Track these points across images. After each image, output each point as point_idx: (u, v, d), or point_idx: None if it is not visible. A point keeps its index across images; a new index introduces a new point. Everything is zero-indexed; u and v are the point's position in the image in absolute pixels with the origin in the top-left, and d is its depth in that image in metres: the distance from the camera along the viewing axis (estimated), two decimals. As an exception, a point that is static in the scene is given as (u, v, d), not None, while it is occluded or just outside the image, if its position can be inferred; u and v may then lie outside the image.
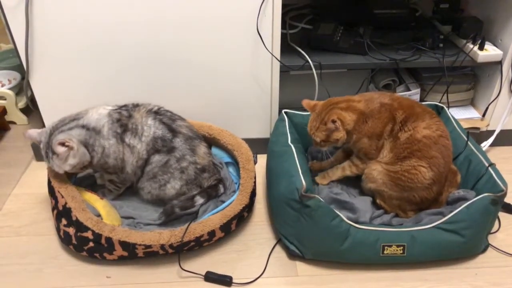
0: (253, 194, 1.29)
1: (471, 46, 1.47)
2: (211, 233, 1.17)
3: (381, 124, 1.19)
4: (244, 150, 1.34)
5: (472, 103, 1.66)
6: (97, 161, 1.21)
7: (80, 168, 1.21)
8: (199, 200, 1.26)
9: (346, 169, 1.31)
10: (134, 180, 1.29)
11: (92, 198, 1.24)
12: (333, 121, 1.17)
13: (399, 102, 1.22)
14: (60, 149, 1.14)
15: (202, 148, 1.29)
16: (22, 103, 1.76)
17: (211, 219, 1.17)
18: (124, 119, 1.21)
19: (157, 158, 1.23)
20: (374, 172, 1.22)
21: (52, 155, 1.16)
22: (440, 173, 1.18)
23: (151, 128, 1.22)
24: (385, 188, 1.21)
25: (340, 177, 1.33)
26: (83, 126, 1.18)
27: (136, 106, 1.26)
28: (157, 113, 1.25)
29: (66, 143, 1.14)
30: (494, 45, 1.48)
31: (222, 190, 1.33)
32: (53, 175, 1.23)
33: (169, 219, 1.24)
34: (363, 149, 1.23)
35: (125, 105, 1.26)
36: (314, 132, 1.22)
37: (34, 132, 1.21)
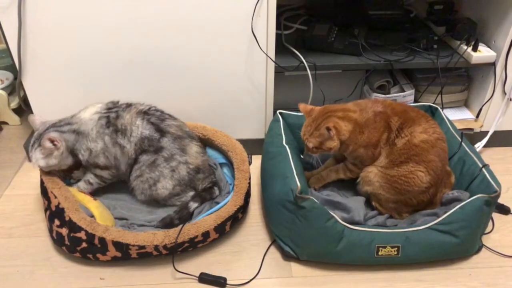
0: (247, 195, 1.28)
1: (465, 47, 1.48)
2: (205, 234, 1.16)
3: (377, 133, 1.19)
4: (238, 151, 1.34)
5: (466, 104, 1.67)
6: (86, 161, 1.24)
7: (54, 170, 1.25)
8: (193, 205, 1.26)
9: (340, 172, 1.31)
10: (127, 176, 1.29)
11: (85, 199, 1.23)
12: (328, 129, 1.15)
13: (392, 109, 1.22)
14: (47, 144, 1.18)
15: (193, 148, 1.28)
16: (14, 103, 1.75)
17: (205, 220, 1.17)
18: (112, 121, 1.23)
19: (144, 158, 1.23)
20: (370, 175, 1.21)
21: (38, 146, 1.20)
22: (437, 175, 1.18)
23: (139, 128, 1.23)
24: (382, 191, 1.21)
25: (334, 179, 1.33)
26: (74, 131, 1.22)
27: (128, 106, 1.27)
28: (146, 113, 1.26)
29: (55, 142, 1.18)
30: (488, 46, 1.49)
31: (217, 192, 1.32)
32: (46, 176, 1.23)
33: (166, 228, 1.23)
34: (360, 157, 1.23)
35: (116, 106, 1.27)
36: (307, 137, 1.21)
37: (38, 120, 1.27)
